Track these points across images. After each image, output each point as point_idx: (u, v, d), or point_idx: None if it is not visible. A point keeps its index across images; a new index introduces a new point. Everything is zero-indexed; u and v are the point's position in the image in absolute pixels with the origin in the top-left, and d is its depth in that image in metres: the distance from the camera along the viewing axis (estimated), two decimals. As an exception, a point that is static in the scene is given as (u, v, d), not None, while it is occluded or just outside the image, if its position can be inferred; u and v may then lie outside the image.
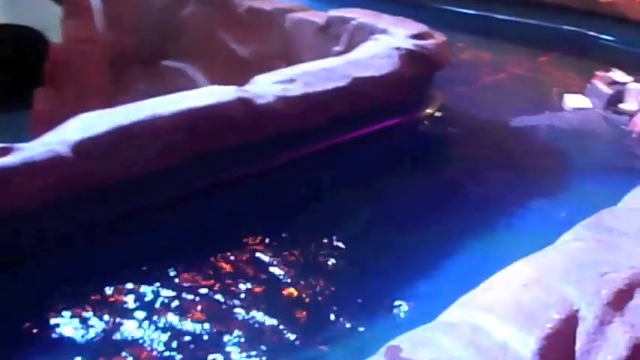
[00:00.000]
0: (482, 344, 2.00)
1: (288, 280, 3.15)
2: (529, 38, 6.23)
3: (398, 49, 4.26)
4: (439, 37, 4.54)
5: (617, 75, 5.00)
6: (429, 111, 4.55)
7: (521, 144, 4.59)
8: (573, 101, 4.94)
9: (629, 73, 5.11)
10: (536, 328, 2.05)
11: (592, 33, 6.30)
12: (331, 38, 4.91)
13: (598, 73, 5.08)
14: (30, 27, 10.79)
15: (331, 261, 3.28)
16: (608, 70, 5.08)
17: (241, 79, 5.47)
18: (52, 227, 3.09)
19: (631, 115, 4.65)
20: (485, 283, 2.35)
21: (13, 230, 2.98)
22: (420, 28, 4.57)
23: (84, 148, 3.18)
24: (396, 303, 3.02)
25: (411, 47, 4.30)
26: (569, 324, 2.10)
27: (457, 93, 5.06)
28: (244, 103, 3.63)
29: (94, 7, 6.22)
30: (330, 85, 3.92)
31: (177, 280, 3.11)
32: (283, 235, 3.45)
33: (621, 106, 4.76)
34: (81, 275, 3.07)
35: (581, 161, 4.24)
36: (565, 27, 6.38)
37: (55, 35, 10.58)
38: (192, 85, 5.80)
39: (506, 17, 6.71)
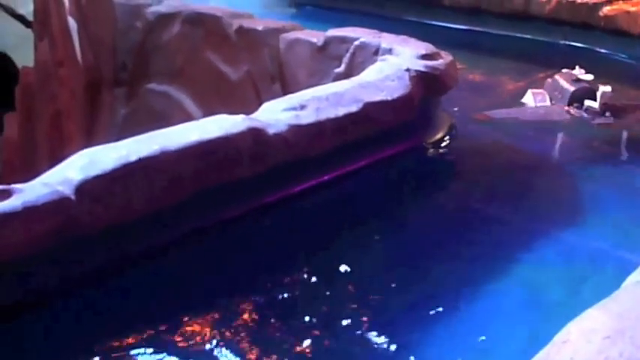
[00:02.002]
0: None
1: (306, 318, 2.93)
2: (525, 53, 6.09)
3: (408, 70, 4.05)
4: (447, 57, 4.36)
5: (580, 73, 5.15)
6: (439, 134, 4.33)
7: (528, 164, 4.42)
8: (535, 98, 5.13)
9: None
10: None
11: (589, 47, 6.18)
12: (330, 59, 4.70)
13: (563, 70, 5.25)
14: (-5, 49, 10.49)
15: (345, 290, 3.11)
16: (572, 68, 5.22)
17: (232, 102, 5.25)
18: (55, 272, 2.87)
19: (596, 112, 4.89)
20: (561, 334, 2.12)
21: (15, 276, 2.76)
22: (427, 47, 4.37)
23: (88, 187, 2.92)
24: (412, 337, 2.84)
25: (421, 68, 4.11)
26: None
27: (460, 112, 4.87)
28: (255, 133, 3.39)
29: (70, 28, 5.91)
30: (342, 111, 3.70)
31: (187, 324, 2.87)
32: (295, 268, 3.23)
33: (587, 103, 4.96)
34: (87, 321, 2.87)
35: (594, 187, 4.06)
36: (562, 42, 6.25)
37: (19, 57, 10.29)
38: (178, 108, 5.56)
39: (498, 31, 6.57)
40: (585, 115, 4.98)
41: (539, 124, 4.95)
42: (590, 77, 5.15)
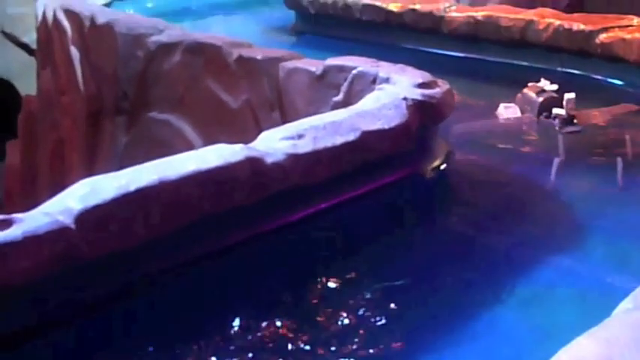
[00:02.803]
0: None
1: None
2: (522, 80, 6.14)
3: (405, 99, 4.09)
4: (443, 85, 4.40)
5: (546, 84, 5.42)
6: (436, 162, 4.37)
7: (527, 190, 4.45)
8: (506, 111, 5.43)
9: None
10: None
11: (585, 73, 6.23)
12: (329, 87, 4.74)
13: (529, 84, 5.48)
14: (-1, 77, 10.61)
15: (340, 317, 3.13)
16: (538, 81, 5.48)
17: (231, 130, 5.30)
18: (55, 301, 2.89)
19: (564, 119, 5.14)
20: (550, 363, 2.15)
21: (15, 305, 2.79)
22: (423, 76, 4.42)
23: (88, 217, 2.96)
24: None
25: (418, 97, 4.15)
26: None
27: (458, 140, 4.92)
28: (253, 162, 3.43)
29: (72, 57, 5.99)
30: (339, 140, 3.74)
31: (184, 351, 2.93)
32: (290, 302, 3.28)
33: (555, 111, 5.21)
34: (89, 349, 2.92)
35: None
36: (559, 69, 6.30)
37: (22, 84, 10.40)
38: (178, 136, 5.62)
39: (495, 58, 6.63)
40: (555, 122, 5.20)
41: (513, 135, 5.19)
42: (555, 87, 5.39)
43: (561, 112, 5.20)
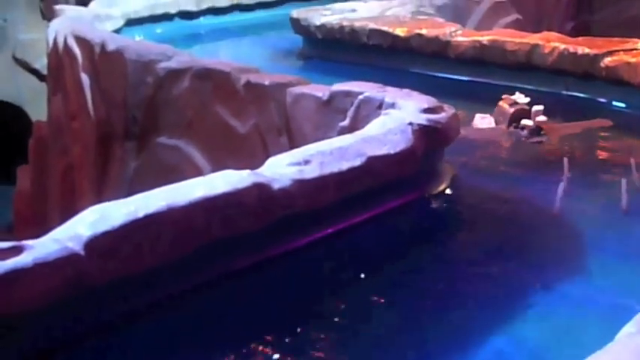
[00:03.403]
0: None
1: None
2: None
3: (411, 124, 4.14)
4: (449, 110, 4.45)
5: (519, 97, 5.70)
6: (442, 186, 4.41)
7: (532, 215, 4.47)
8: (481, 122, 5.78)
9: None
10: None
11: (590, 96, 6.27)
12: (335, 112, 4.80)
13: (504, 96, 5.75)
14: (9, 102, 10.73)
15: (343, 342, 3.15)
16: (512, 94, 5.75)
17: (240, 154, 5.36)
18: (63, 326, 2.94)
19: (533, 129, 5.49)
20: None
21: (25, 331, 2.83)
22: (429, 101, 4.47)
23: (97, 243, 3.00)
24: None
25: (424, 122, 4.19)
26: None
27: (462, 164, 4.94)
28: (260, 188, 3.47)
29: (83, 83, 6.07)
30: (345, 165, 3.79)
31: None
32: (295, 327, 3.26)
33: (523, 122, 5.55)
34: None
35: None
36: (564, 92, 6.34)
37: (32, 109, 10.52)
38: (187, 161, 5.67)
39: (501, 82, 6.66)
40: (522, 132, 5.51)
41: (488, 144, 5.48)
42: (526, 100, 5.67)
43: (529, 122, 5.51)
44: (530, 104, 5.62)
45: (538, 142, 5.42)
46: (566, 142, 5.43)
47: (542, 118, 5.53)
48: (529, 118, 5.55)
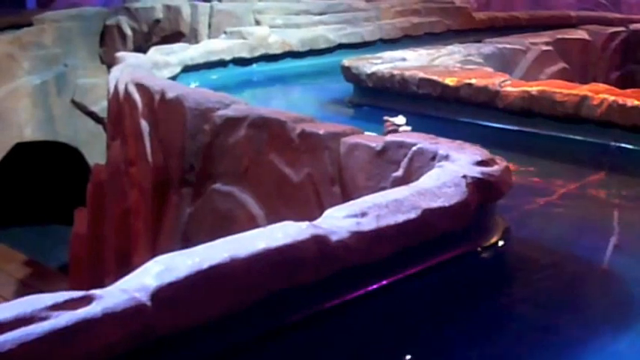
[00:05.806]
0: None
1: None
2: (576, 155, 6.22)
3: (465, 177, 4.21)
4: (501, 163, 4.51)
5: (398, 119, 5.78)
6: (494, 239, 4.46)
7: (586, 273, 4.50)
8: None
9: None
10: None
11: (639, 148, 6.29)
12: (389, 163, 4.86)
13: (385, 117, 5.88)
14: (67, 144, 11.03)
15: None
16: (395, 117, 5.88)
17: (293, 203, 5.45)
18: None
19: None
20: None
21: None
22: (482, 153, 4.53)
23: (163, 294, 3.11)
24: None
25: (477, 175, 4.26)
26: None
27: (514, 218, 4.99)
28: (319, 240, 3.56)
29: (142, 129, 6.24)
30: (401, 218, 3.86)
31: None
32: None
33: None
34: None
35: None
36: (612, 144, 6.37)
37: (88, 151, 10.79)
38: (241, 208, 5.78)
39: (550, 133, 6.71)
40: None
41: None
42: (403, 121, 5.77)
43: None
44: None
45: None
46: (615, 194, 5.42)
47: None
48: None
